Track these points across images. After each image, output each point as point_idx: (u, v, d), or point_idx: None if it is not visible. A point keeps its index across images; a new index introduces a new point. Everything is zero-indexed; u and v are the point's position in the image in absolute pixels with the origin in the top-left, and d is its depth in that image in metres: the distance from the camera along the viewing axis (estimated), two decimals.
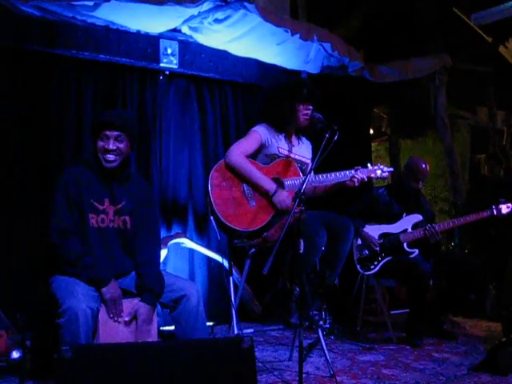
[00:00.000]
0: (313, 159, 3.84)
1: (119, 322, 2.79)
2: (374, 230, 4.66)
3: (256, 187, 3.60)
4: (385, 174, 3.87)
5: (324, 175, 3.69)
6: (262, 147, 3.75)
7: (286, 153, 3.79)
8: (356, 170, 3.72)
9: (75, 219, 2.90)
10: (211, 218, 3.59)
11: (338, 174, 3.71)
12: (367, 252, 4.61)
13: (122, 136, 2.98)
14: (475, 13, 5.86)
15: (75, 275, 2.80)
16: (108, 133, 2.96)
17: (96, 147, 2.98)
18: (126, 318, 2.80)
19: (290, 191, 3.63)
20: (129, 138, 3.01)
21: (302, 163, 3.87)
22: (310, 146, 4.03)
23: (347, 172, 3.72)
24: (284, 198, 3.55)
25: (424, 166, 4.73)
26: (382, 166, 3.88)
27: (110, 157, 2.96)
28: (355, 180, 3.69)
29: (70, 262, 2.81)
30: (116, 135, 2.97)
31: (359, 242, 4.61)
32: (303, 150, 3.94)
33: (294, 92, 3.78)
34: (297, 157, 3.85)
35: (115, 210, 2.99)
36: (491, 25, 5.98)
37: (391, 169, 3.95)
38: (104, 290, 2.80)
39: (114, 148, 2.96)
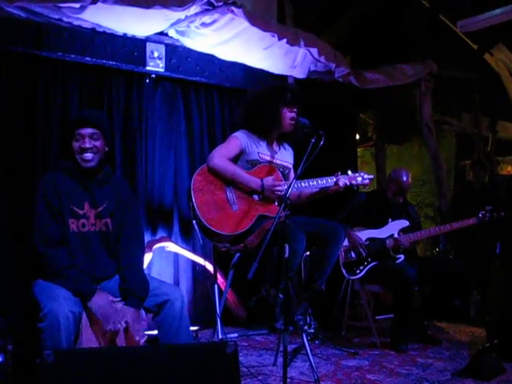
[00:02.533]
0: (296, 165, 3.84)
1: (119, 329, 2.76)
2: (360, 235, 4.67)
3: (242, 187, 3.59)
4: (366, 181, 3.87)
5: (306, 182, 3.69)
6: (242, 153, 3.73)
7: (267, 158, 3.78)
8: (337, 176, 3.73)
9: (58, 226, 2.87)
10: (194, 222, 3.58)
11: (320, 180, 3.71)
12: (353, 255, 4.62)
13: (96, 134, 2.95)
14: (461, 20, 5.89)
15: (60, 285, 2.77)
16: (82, 131, 2.92)
17: (72, 149, 2.94)
18: (123, 325, 2.78)
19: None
20: (103, 135, 2.98)
21: (284, 168, 3.87)
22: (292, 152, 4.02)
23: (328, 178, 3.73)
24: (273, 187, 3.58)
25: (405, 178, 4.77)
26: (362, 173, 3.89)
27: (88, 155, 2.92)
28: (340, 184, 3.70)
29: (56, 272, 2.78)
30: (90, 133, 2.93)
31: (346, 242, 4.62)
32: (285, 156, 3.93)
33: (278, 95, 3.77)
34: (278, 161, 3.84)
35: (96, 213, 2.97)
36: (477, 32, 6.02)
37: (371, 176, 3.96)
38: (89, 304, 2.76)
39: (91, 146, 2.93)
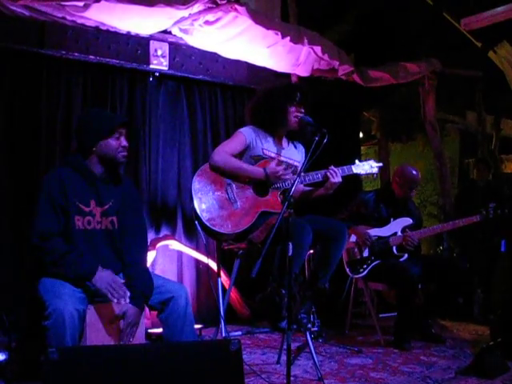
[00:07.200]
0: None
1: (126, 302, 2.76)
2: None
3: (246, 179, 3.59)
4: (374, 170, 3.81)
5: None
6: (246, 149, 3.70)
7: (272, 155, 3.73)
8: (329, 170, 3.62)
9: (59, 221, 2.86)
10: (196, 222, 3.58)
11: (306, 176, 3.62)
12: (356, 251, 4.62)
13: (128, 134, 3.05)
14: (465, 18, 5.87)
15: (60, 274, 2.76)
16: (123, 130, 3.00)
17: (107, 146, 2.95)
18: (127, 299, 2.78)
19: (274, 192, 3.63)
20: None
21: (288, 165, 3.80)
22: (303, 151, 3.94)
23: (319, 173, 3.64)
24: (276, 172, 3.54)
25: (415, 173, 4.72)
26: (370, 162, 3.83)
27: (126, 153, 3.01)
28: (333, 179, 3.60)
29: (54, 261, 2.77)
30: (126, 133, 3.02)
31: (352, 238, 4.62)
32: (293, 153, 3.88)
33: (287, 93, 3.75)
34: (284, 159, 3.79)
35: (102, 211, 2.96)
36: (481, 30, 6.00)
37: (380, 164, 3.88)
38: (95, 279, 2.75)
39: (128, 145, 3.02)
